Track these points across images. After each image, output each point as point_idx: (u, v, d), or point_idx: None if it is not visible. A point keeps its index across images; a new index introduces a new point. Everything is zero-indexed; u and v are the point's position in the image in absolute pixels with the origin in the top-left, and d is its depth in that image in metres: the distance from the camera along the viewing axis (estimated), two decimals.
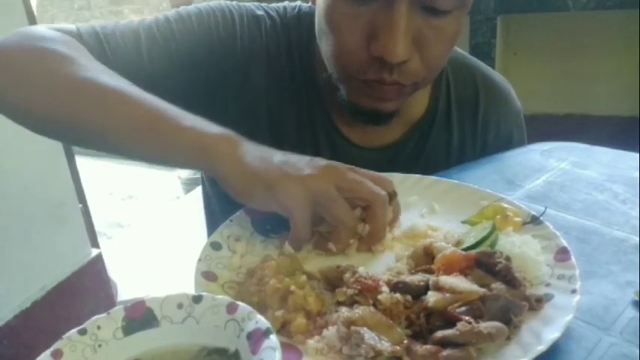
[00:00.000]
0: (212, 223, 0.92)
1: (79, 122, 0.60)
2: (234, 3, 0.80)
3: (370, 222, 0.57)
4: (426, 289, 0.48)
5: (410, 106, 0.80)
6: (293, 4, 0.84)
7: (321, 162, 0.57)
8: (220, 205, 0.86)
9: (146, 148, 0.59)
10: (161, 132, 0.57)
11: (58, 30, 0.68)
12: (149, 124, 0.57)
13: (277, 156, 0.57)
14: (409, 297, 0.48)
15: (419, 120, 0.83)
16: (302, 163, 0.57)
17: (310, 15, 0.80)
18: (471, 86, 0.85)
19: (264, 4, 0.82)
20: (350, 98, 0.72)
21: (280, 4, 0.84)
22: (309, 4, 0.82)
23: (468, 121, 0.85)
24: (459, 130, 0.85)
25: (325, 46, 0.70)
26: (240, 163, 0.55)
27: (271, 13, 0.81)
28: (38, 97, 0.61)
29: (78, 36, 0.69)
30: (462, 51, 0.88)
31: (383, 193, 0.57)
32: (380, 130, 0.79)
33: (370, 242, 0.59)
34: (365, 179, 0.58)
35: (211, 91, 0.76)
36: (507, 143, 0.89)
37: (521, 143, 0.92)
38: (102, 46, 0.70)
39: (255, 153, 0.57)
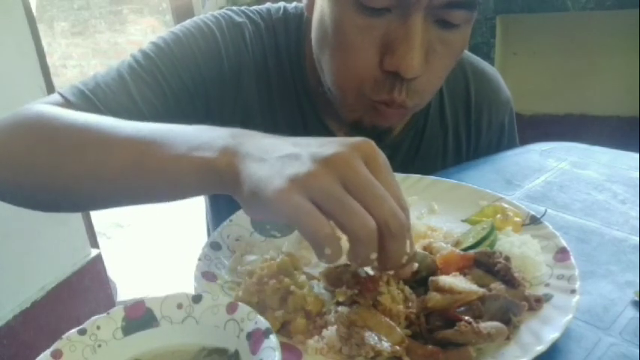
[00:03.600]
0: (214, 224, 0.92)
1: (63, 184, 0.56)
2: (210, 16, 0.77)
3: (380, 254, 0.42)
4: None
5: None
6: (276, 5, 0.81)
7: (334, 147, 0.43)
8: (223, 205, 0.86)
9: (139, 191, 0.53)
10: (148, 170, 0.50)
11: (45, 103, 0.64)
12: (135, 166, 0.51)
13: (282, 148, 0.45)
14: (409, 291, 0.48)
15: (412, 118, 0.82)
16: (306, 151, 0.43)
17: (297, 16, 0.79)
18: (461, 78, 0.85)
19: (244, 8, 0.79)
20: (350, 117, 0.70)
21: (263, 7, 0.81)
22: (294, 4, 0.80)
23: (462, 113, 0.85)
24: (453, 123, 0.85)
25: (330, 61, 0.66)
26: (242, 177, 0.44)
27: (253, 17, 0.78)
28: (15, 164, 0.58)
29: (65, 102, 0.66)
30: None
31: (404, 220, 0.42)
32: None
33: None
34: (385, 191, 0.42)
35: (209, 111, 0.74)
36: (500, 132, 0.90)
37: (512, 132, 0.92)
38: (91, 102, 0.66)
39: (258, 153, 0.45)
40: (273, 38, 0.77)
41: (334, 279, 0.50)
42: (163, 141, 0.50)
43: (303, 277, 0.51)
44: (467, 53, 0.88)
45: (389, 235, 0.41)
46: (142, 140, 0.51)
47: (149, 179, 0.51)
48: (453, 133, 0.85)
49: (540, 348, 0.42)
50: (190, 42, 0.73)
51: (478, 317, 0.45)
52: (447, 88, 0.84)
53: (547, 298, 0.48)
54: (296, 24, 0.78)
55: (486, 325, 0.44)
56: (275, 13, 0.80)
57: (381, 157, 0.44)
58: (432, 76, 0.65)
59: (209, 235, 0.98)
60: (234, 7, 0.80)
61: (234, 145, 0.47)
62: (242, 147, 0.46)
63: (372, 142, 0.44)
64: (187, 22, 0.76)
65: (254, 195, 0.43)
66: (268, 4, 0.82)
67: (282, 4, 0.82)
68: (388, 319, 0.45)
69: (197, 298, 0.39)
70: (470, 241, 0.55)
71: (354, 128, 0.71)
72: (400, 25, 0.60)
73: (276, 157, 0.44)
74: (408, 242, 0.43)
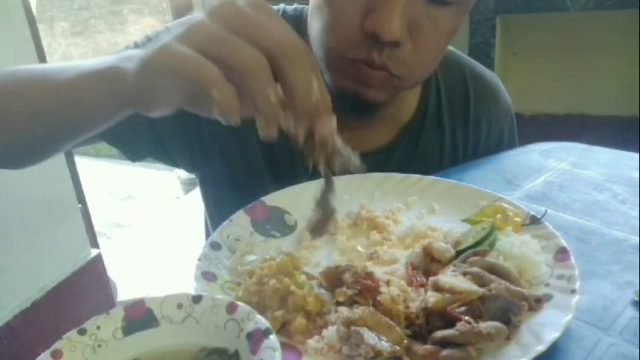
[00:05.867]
0: (213, 225, 0.91)
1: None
2: None
3: (284, 88, 0.42)
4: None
5: (399, 106, 0.79)
6: (275, 7, 0.82)
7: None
8: (219, 206, 0.86)
9: (56, 118, 0.56)
10: (54, 94, 0.54)
11: None
12: (43, 96, 0.55)
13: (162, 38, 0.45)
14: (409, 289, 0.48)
15: (409, 121, 0.82)
16: (185, 23, 0.44)
17: (295, 17, 0.79)
18: (461, 84, 0.85)
19: None
20: (334, 81, 0.70)
21: None
22: (294, 6, 0.81)
23: (460, 119, 0.85)
24: (450, 129, 0.84)
25: (317, 22, 0.68)
26: (130, 69, 0.45)
27: None
28: None
29: None
30: (451, 47, 0.86)
31: (301, 42, 0.42)
32: (370, 133, 0.78)
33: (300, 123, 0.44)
34: (272, 23, 0.42)
35: (198, 126, 0.75)
36: (499, 140, 0.89)
37: (512, 140, 0.92)
38: None
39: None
40: None
41: (334, 279, 0.50)
42: (67, 71, 0.53)
43: (303, 277, 0.51)
44: (468, 58, 0.88)
45: (286, 59, 0.40)
46: (49, 76, 0.55)
47: (58, 104, 0.54)
48: (450, 138, 0.84)
49: (540, 348, 0.42)
50: None
51: (478, 317, 0.45)
52: (445, 92, 0.83)
53: (547, 298, 0.48)
54: (294, 25, 0.79)
55: (486, 325, 0.44)
56: None
57: (263, 2, 0.44)
58: (419, 50, 0.65)
59: (207, 235, 0.98)
60: None
61: (125, 57, 0.48)
62: (130, 59, 0.47)
63: None
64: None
65: (140, 69, 0.44)
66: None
67: (281, 6, 0.83)
68: (388, 319, 0.45)
69: (197, 298, 0.39)
70: (470, 241, 0.55)
71: (339, 99, 0.71)
72: None
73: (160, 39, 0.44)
74: (314, 80, 0.42)
